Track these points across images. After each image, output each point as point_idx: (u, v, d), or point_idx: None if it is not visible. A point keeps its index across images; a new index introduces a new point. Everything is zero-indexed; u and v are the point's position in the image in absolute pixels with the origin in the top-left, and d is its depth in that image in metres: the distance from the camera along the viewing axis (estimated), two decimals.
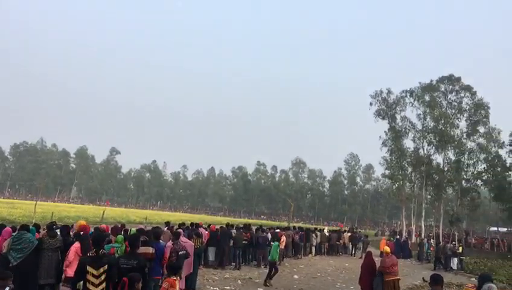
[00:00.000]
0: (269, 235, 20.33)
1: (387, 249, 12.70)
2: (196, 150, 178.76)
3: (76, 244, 9.16)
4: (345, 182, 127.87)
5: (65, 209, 53.09)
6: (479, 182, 47.45)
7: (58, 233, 10.05)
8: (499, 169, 45.97)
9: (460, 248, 26.19)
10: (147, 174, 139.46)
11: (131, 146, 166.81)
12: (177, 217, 58.35)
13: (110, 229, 13.55)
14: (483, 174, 46.99)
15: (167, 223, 18.93)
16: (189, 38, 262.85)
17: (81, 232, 10.59)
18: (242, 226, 21.86)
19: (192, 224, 18.82)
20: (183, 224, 19.75)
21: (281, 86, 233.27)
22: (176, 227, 17.34)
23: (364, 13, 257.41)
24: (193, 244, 12.20)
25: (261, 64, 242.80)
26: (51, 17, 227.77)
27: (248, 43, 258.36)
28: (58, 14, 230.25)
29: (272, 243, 16.71)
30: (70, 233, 10.95)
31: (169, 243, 10.34)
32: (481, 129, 47.02)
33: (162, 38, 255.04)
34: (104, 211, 42.22)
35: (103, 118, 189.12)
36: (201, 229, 17.27)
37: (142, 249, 8.39)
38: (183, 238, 11.21)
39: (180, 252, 10.01)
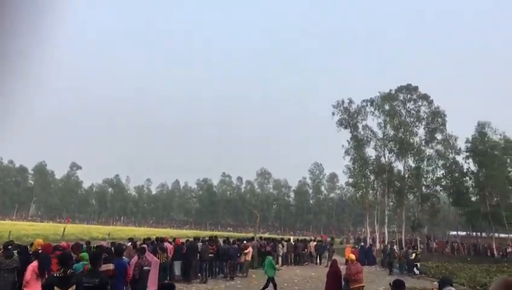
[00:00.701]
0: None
1: (352, 256, 12.86)
2: (160, 164, 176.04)
3: (34, 263, 8.80)
4: (310, 191, 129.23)
5: (23, 227, 51.08)
6: (438, 187, 49.02)
7: (16, 253, 9.65)
8: (456, 175, 47.68)
9: (414, 255, 26.69)
10: (110, 189, 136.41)
11: (93, 161, 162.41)
12: (141, 232, 57.16)
13: (70, 246, 13.13)
14: (442, 180, 48.59)
15: (131, 239, 18.56)
16: (150, 49, 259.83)
17: (39, 250, 10.21)
18: (208, 238, 21.65)
19: (157, 238, 18.51)
20: (148, 239, 19.40)
21: (248, 96, 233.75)
22: (140, 242, 17.01)
23: (326, 21, 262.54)
24: (158, 260, 12.00)
25: (230, 75, 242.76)
26: None
27: (215, 53, 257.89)
28: None
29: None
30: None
31: (134, 259, 10.15)
32: (439, 136, 48.69)
33: (124, 50, 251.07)
34: (64, 228, 40.96)
35: (63, 133, 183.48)
36: (166, 244, 17.00)
37: (104, 267, 8.19)
38: (148, 254, 11.01)
39: (144, 267, 9.84)
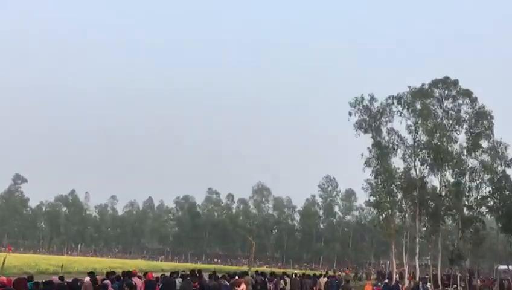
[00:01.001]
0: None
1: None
2: (128, 176, 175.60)
3: None
4: (320, 212, 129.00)
5: None
6: (483, 209, 48.92)
7: None
8: (507, 192, 47.50)
9: None
10: (64, 209, 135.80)
11: (42, 172, 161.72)
12: (104, 263, 56.72)
13: (12, 282, 13.02)
14: (489, 199, 48.51)
15: (90, 274, 18.37)
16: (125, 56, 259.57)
17: None
18: (189, 273, 21.52)
19: (123, 273, 18.34)
20: (113, 273, 19.20)
21: (240, 93, 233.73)
22: (102, 277, 16.87)
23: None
24: None
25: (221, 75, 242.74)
26: None
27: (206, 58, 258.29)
28: None
29: None
30: None
31: None
32: (484, 144, 48.64)
33: (88, 59, 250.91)
34: (4, 259, 40.54)
35: (3, 138, 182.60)
36: (135, 279, 16.85)
37: None
38: None
39: None
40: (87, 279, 15.92)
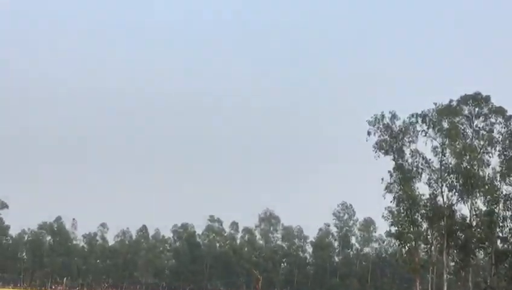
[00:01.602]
0: None
1: None
2: (120, 201, 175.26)
3: None
4: (335, 244, 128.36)
5: None
6: None
7: None
8: None
9: None
10: (48, 238, 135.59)
11: (25, 197, 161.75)
12: None
13: None
14: None
15: None
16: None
17: None
18: None
19: None
20: None
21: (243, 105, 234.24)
22: None
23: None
24: None
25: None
26: None
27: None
28: None
29: None
30: None
31: None
32: None
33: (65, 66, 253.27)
34: None
35: None
36: None
37: None
38: None
39: None
40: None
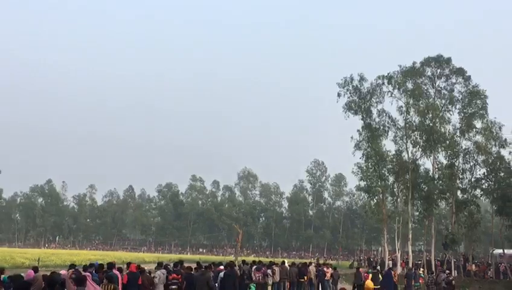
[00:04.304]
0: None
1: (371, 285, 12.84)
2: (107, 164, 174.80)
3: None
4: (309, 199, 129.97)
5: None
6: (477, 191, 49.28)
7: None
8: (501, 174, 47.82)
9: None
10: (40, 200, 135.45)
11: (16, 161, 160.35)
12: (83, 256, 56.74)
13: None
14: (483, 181, 48.84)
15: (72, 266, 18.12)
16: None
17: None
18: (173, 264, 21.43)
19: (101, 265, 18.16)
20: (91, 265, 19.09)
21: (223, 77, 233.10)
22: (80, 269, 16.72)
23: None
24: None
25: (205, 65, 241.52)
26: None
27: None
28: None
29: None
30: None
31: None
32: (478, 124, 48.78)
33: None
34: None
35: None
36: (115, 271, 16.75)
37: None
38: (91, 285, 10.85)
39: None
40: (64, 272, 15.74)
